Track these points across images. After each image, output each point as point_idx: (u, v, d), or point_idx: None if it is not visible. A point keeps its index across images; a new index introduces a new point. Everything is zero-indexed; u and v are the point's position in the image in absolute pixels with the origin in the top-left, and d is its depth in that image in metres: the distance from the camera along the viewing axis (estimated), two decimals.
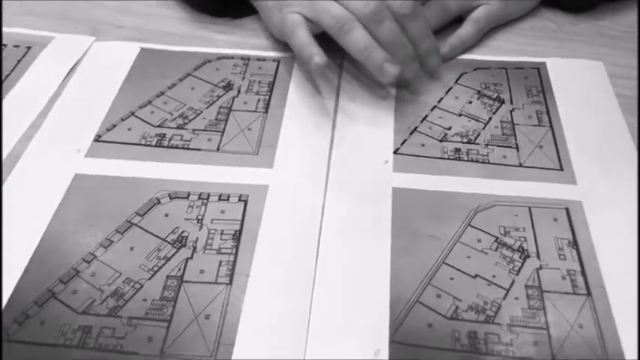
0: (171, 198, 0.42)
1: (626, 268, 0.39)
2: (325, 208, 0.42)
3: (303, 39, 0.47)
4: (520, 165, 0.45)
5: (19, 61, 0.54)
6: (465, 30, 0.54)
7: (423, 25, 0.48)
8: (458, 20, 0.55)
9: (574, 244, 0.40)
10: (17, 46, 0.55)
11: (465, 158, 0.45)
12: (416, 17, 0.47)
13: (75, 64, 0.54)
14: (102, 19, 0.59)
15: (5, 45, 0.55)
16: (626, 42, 0.56)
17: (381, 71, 0.46)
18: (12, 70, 0.53)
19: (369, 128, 0.48)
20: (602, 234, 0.40)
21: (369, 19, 0.45)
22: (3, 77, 0.52)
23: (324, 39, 0.48)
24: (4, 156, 0.45)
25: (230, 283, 0.38)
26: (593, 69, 0.53)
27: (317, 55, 0.45)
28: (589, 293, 0.37)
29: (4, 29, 0.57)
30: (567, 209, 0.42)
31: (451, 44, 0.53)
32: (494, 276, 0.38)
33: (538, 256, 0.39)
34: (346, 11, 0.46)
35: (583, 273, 0.38)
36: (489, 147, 0.46)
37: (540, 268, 0.39)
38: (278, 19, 0.51)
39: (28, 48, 0.55)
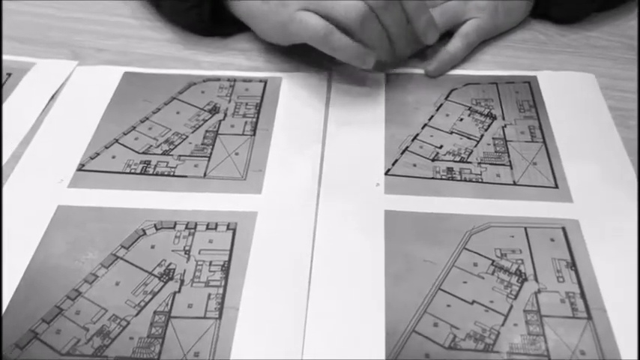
0: (157, 229, 0.41)
1: (626, 288, 0.38)
2: (316, 235, 0.41)
3: (345, 40, 0.46)
4: (514, 183, 0.44)
5: None
6: (454, 45, 0.53)
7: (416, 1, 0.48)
8: (446, 35, 0.54)
9: (572, 265, 0.39)
10: None
11: (458, 178, 0.44)
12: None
13: (57, 90, 0.52)
14: (84, 43, 0.58)
15: None
16: (616, 52, 0.55)
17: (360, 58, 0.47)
18: None
19: (359, 149, 0.47)
20: (601, 253, 0.40)
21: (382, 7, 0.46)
22: None
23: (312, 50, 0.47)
24: None
25: (219, 317, 0.36)
26: (584, 81, 0.52)
27: (368, 55, 0.47)
28: (589, 317, 0.36)
29: None
30: (564, 228, 0.41)
31: (440, 60, 0.52)
32: (491, 301, 0.37)
33: (536, 279, 0.38)
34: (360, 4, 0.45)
35: (582, 295, 0.37)
36: (482, 165, 0.45)
37: (539, 291, 0.38)
38: (281, 21, 0.49)
39: (9, 75, 0.54)
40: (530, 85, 0.52)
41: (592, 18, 0.58)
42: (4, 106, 0.51)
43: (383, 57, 0.50)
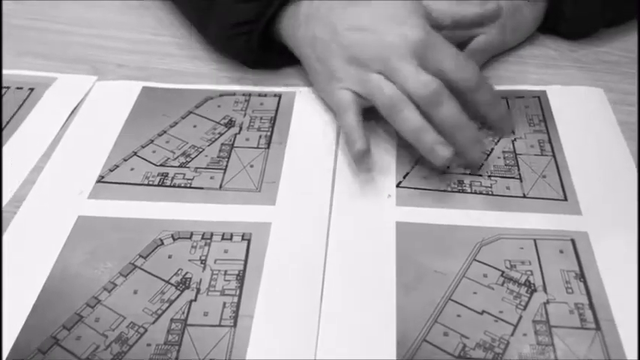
0: (174, 239, 0.42)
1: (635, 300, 0.38)
2: (329, 245, 0.42)
3: (351, 122, 0.45)
4: (524, 196, 0.45)
5: (22, 103, 0.54)
6: None
7: (490, 92, 0.46)
8: None
9: (581, 276, 0.39)
10: (20, 88, 0.56)
11: (469, 190, 0.45)
12: (482, 86, 0.45)
13: (78, 104, 0.54)
14: (103, 59, 0.59)
15: (8, 87, 0.56)
16: (625, 67, 0.56)
17: (432, 154, 0.43)
18: (15, 113, 0.53)
19: (372, 162, 0.47)
20: (610, 265, 0.40)
21: (428, 103, 0.43)
22: (6, 120, 0.52)
23: None
24: (7, 199, 0.45)
25: (234, 325, 0.37)
26: (593, 96, 0.53)
27: (359, 140, 0.44)
28: (598, 327, 0.37)
29: (7, 71, 0.58)
30: (573, 240, 0.41)
31: None
32: (501, 312, 0.38)
33: (545, 290, 0.39)
34: (398, 92, 0.44)
35: (591, 306, 0.38)
36: (492, 178, 0.46)
37: (548, 302, 0.38)
38: (327, 89, 0.49)
39: (31, 89, 0.56)
40: (540, 99, 0.53)
41: (602, 33, 0.59)
42: (27, 119, 0.52)
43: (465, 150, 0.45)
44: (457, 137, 0.44)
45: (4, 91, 0.56)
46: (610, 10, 0.57)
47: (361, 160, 0.45)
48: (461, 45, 0.55)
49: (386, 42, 0.45)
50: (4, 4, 0.66)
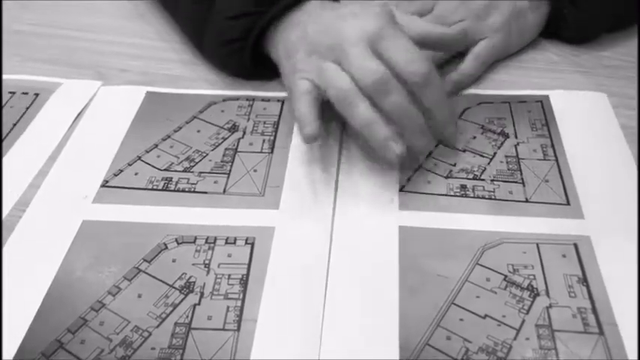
0: (178, 243, 0.43)
1: (637, 304, 0.38)
2: (332, 249, 0.42)
3: (302, 108, 0.45)
4: (527, 200, 0.45)
5: (27, 107, 0.55)
6: (467, 65, 0.54)
7: (438, 93, 0.44)
8: (460, 54, 0.55)
9: (584, 280, 0.40)
10: (25, 93, 0.56)
11: (471, 195, 0.45)
12: (430, 84, 0.43)
13: (82, 109, 0.54)
14: (107, 64, 0.60)
15: (14, 92, 0.56)
16: (628, 72, 0.56)
17: (384, 150, 0.43)
18: (20, 117, 0.54)
19: (374, 166, 0.48)
20: (612, 269, 0.40)
21: (373, 91, 0.42)
22: (11, 124, 0.53)
23: None
24: (12, 203, 0.46)
25: (238, 329, 0.37)
26: (596, 100, 0.53)
27: (308, 126, 0.44)
28: (601, 332, 0.37)
29: (13, 77, 0.58)
30: (576, 245, 0.42)
31: (454, 80, 0.54)
32: (504, 316, 0.38)
33: (548, 294, 0.39)
34: (351, 84, 0.43)
35: (594, 310, 0.38)
36: (495, 183, 0.46)
37: (550, 306, 0.38)
38: (290, 81, 0.48)
39: (37, 95, 0.56)
40: (543, 104, 0.53)
41: (604, 38, 0.59)
42: (32, 124, 0.53)
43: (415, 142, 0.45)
44: (404, 126, 0.43)
45: (9, 96, 0.56)
46: (611, 16, 0.58)
47: (310, 142, 0.45)
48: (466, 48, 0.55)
49: (343, 32, 0.45)
50: (10, 11, 0.67)
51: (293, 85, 0.47)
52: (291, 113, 0.51)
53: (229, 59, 0.54)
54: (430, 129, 0.45)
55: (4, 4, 0.68)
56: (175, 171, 0.48)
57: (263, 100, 0.55)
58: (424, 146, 0.45)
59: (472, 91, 0.55)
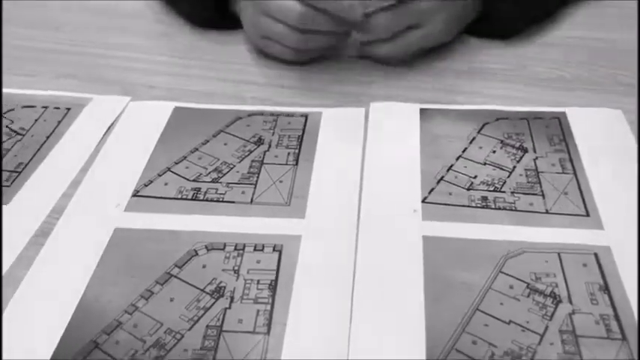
0: (208, 250, 0.44)
1: None
2: (358, 257, 0.43)
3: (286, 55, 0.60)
4: (547, 212, 0.46)
5: (59, 121, 0.57)
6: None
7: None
8: None
9: (605, 288, 0.40)
10: (57, 108, 0.58)
11: (492, 206, 0.46)
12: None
13: (112, 123, 0.56)
14: (135, 81, 0.62)
15: (47, 107, 0.58)
16: None
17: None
18: (53, 130, 0.55)
19: (396, 178, 0.49)
20: (634, 278, 0.41)
21: (301, 24, 0.56)
22: (45, 137, 0.55)
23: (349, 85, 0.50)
24: (47, 211, 0.47)
25: (268, 332, 0.38)
26: (612, 117, 0.54)
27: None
28: (624, 337, 0.37)
29: (45, 92, 0.60)
30: (596, 254, 0.43)
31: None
32: (527, 322, 0.39)
33: (570, 301, 0.40)
34: (283, 27, 0.56)
35: (616, 317, 0.39)
36: (515, 195, 0.47)
37: (573, 312, 0.39)
38: (254, 42, 0.62)
39: (68, 109, 0.58)
40: (560, 120, 0.54)
41: (619, 56, 0.61)
42: (64, 137, 0.55)
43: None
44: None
45: (42, 110, 0.58)
46: (535, 8, 0.63)
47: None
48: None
49: None
50: (43, 31, 0.70)
51: (262, 47, 0.61)
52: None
53: (194, 7, 0.66)
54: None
55: (38, 26, 0.71)
56: (204, 181, 0.49)
57: (287, 115, 0.56)
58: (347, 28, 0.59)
59: (490, 107, 0.56)
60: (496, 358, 0.37)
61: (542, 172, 0.49)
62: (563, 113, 0.55)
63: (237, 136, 0.54)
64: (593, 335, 0.38)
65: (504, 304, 0.40)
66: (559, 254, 0.43)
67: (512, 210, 0.46)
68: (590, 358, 0.37)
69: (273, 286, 0.41)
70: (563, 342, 0.38)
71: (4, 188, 0.49)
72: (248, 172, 0.50)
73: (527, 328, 0.38)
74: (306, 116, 0.56)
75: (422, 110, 0.56)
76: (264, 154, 0.52)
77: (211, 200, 0.48)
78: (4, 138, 0.55)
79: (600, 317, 0.39)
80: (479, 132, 0.53)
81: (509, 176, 0.49)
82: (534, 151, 0.51)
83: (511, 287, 0.41)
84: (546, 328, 0.38)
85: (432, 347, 0.37)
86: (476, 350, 0.37)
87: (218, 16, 0.66)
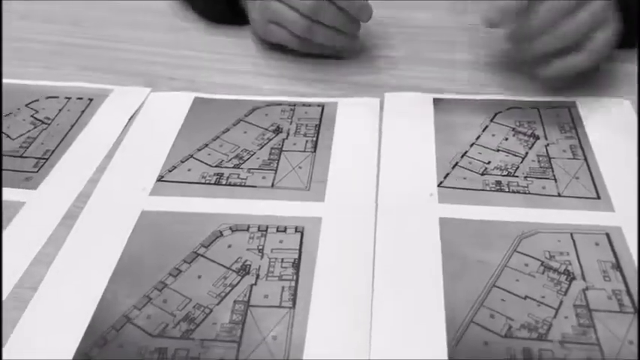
0: (232, 230, 0.45)
1: None
2: (377, 237, 0.45)
3: (294, 44, 0.62)
4: (559, 195, 0.47)
5: (82, 111, 0.58)
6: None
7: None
8: None
9: (617, 266, 0.42)
10: (80, 99, 0.60)
11: (506, 190, 0.48)
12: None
13: (134, 113, 0.58)
14: (156, 73, 0.63)
15: (70, 97, 0.60)
16: None
17: (336, 41, 0.61)
18: (77, 119, 0.57)
19: (412, 164, 0.51)
20: None
21: (313, 14, 0.57)
22: (69, 126, 0.56)
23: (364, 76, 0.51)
24: (75, 196, 0.49)
25: (293, 306, 0.40)
26: (621, 106, 0.56)
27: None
28: (636, 311, 0.39)
29: (69, 84, 0.62)
30: (608, 234, 0.44)
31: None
32: (543, 297, 0.40)
33: (583, 278, 0.41)
34: (297, 15, 0.58)
35: (628, 293, 0.40)
36: (528, 179, 0.49)
37: (587, 289, 0.41)
38: (258, 26, 0.64)
39: (90, 100, 0.60)
40: (570, 109, 0.56)
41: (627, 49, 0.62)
42: (88, 126, 0.56)
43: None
44: (339, 24, 0.59)
45: (66, 100, 0.60)
46: None
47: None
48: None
49: None
50: (63, 26, 0.71)
51: (267, 33, 0.63)
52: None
53: (207, 3, 0.70)
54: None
55: (58, 21, 0.73)
56: (226, 167, 0.51)
57: (304, 105, 0.58)
58: (354, 30, 0.61)
59: (501, 97, 0.58)
60: (513, 330, 0.38)
61: (553, 157, 0.51)
62: (573, 102, 0.57)
63: (256, 125, 0.56)
64: (606, 309, 0.39)
65: (520, 281, 0.41)
66: (572, 234, 0.44)
67: (525, 193, 0.48)
68: (603, 330, 0.38)
69: (296, 265, 0.43)
70: (578, 316, 0.39)
71: (32, 174, 0.51)
72: (268, 159, 0.52)
73: (542, 302, 0.40)
74: (322, 106, 0.58)
75: (435, 100, 0.57)
76: (283, 142, 0.54)
77: (234, 185, 0.49)
78: (30, 127, 0.57)
79: (613, 293, 0.40)
80: (491, 120, 0.55)
81: (522, 162, 0.51)
82: (546, 138, 0.53)
83: (526, 265, 0.42)
84: (561, 302, 0.40)
85: (451, 320, 0.39)
86: (494, 323, 0.39)
87: (229, 11, 0.69)
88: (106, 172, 0.51)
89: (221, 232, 0.45)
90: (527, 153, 0.51)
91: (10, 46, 0.68)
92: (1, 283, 0.42)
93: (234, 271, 0.43)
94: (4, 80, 0.62)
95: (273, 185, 0.49)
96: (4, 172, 0.51)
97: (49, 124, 0.57)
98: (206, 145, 0.54)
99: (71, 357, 0.38)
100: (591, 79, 0.59)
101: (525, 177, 0.49)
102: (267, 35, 0.64)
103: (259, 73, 0.63)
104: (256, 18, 0.63)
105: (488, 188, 0.48)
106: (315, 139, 0.54)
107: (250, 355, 0.37)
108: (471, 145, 0.52)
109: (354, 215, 0.46)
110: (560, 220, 0.45)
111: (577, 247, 0.43)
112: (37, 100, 0.60)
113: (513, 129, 0.54)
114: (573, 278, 0.41)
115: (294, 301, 0.40)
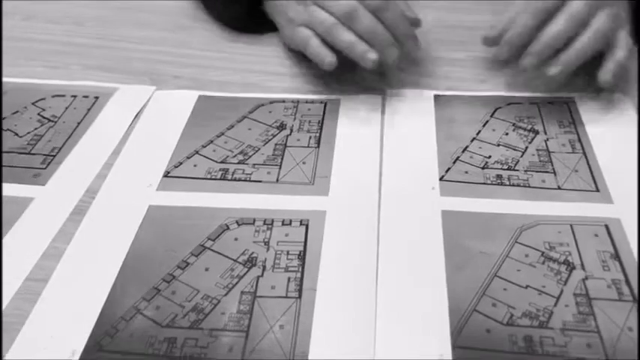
0: (238, 224, 0.46)
1: None
2: (380, 229, 0.45)
3: (315, 45, 0.55)
4: (559, 188, 0.48)
5: (88, 109, 0.59)
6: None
7: (395, 13, 0.54)
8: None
9: (616, 256, 0.43)
10: (86, 97, 0.61)
11: (507, 183, 0.49)
12: (388, 7, 0.54)
13: (139, 111, 0.59)
14: (160, 71, 0.64)
15: (75, 95, 0.61)
16: None
17: (363, 60, 0.53)
18: (83, 117, 0.58)
19: (414, 158, 0.52)
20: None
21: (347, 19, 0.53)
22: (75, 123, 0.57)
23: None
24: (83, 191, 0.50)
25: (299, 297, 0.41)
26: (619, 102, 0.57)
27: (327, 57, 0.54)
28: (635, 299, 0.40)
29: (74, 82, 0.63)
30: (607, 226, 0.45)
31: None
32: (543, 286, 0.41)
33: (583, 268, 0.42)
34: (331, 17, 0.53)
35: (627, 282, 0.41)
36: (528, 173, 0.50)
37: (586, 278, 0.41)
38: (288, 34, 0.61)
39: (96, 98, 0.61)
40: (569, 105, 0.57)
41: None
42: (94, 123, 0.57)
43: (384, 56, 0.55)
44: (375, 42, 0.53)
45: (72, 99, 0.61)
46: None
47: (331, 68, 0.54)
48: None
49: None
50: (68, 26, 0.72)
51: (294, 34, 0.58)
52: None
53: (225, 9, 0.68)
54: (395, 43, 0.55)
55: (61, 21, 0.73)
56: (231, 163, 0.52)
57: (307, 102, 0.59)
58: (391, 55, 0.55)
59: (501, 93, 0.59)
60: (515, 318, 0.39)
61: (553, 152, 0.52)
62: (572, 98, 0.57)
63: (260, 122, 0.57)
64: (605, 298, 0.40)
65: (521, 271, 0.42)
66: (571, 226, 0.45)
67: (525, 186, 0.49)
68: (603, 318, 0.39)
69: (302, 257, 0.44)
70: (578, 304, 0.40)
71: (41, 171, 0.52)
72: (272, 155, 0.53)
73: (543, 291, 0.41)
74: (325, 103, 0.59)
75: (436, 96, 0.58)
76: (287, 138, 0.55)
77: (239, 180, 0.50)
78: (37, 125, 0.57)
79: (612, 282, 0.41)
80: (491, 116, 0.56)
81: (521, 156, 0.52)
82: (545, 133, 0.54)
83: (527, 256, 0.43)
84: (561, 291, 0.41)
85: (454, 309, 0.40)
86: (496, 312, 0.40)
87: (246, 14, 0.67)
88: (113, 168, 0.52)
89: (227, 225, 0.46)
90: (527, 147, 0.52)
91: (15, 46, 0.69)
92: (1, 283, 0.43)
93: (240, 263, 0.43)
94: (10, 79, 0.63)
95: (277, 180, 0.50)
96: (13, 169, 0.52)
97: (55, 122, 0.58)
98: (211, 142, 0.54)
99: (83, 346, 0.38)
100: (590, 76, 0.60)
101: (525, 171, 0.50)
102: (294, 38, 0.58)
103: (262, 71, 0.64)
104: (286, 22, 0.62)
105: (489, 182, 0.49)
106: (318, 134, 0.55)
107: (258, 344, 0.38)
108: (472, 140, 0.53)
109: (358, 208, 0.47)
110: (560, 212, 0.46)
111: (577, 238, 0.44)
112: (43, 99, 0.61)
113: (513, 124, 0.55)
114: (573, 268, 0.42)
115: (300, 291, 0.41)
